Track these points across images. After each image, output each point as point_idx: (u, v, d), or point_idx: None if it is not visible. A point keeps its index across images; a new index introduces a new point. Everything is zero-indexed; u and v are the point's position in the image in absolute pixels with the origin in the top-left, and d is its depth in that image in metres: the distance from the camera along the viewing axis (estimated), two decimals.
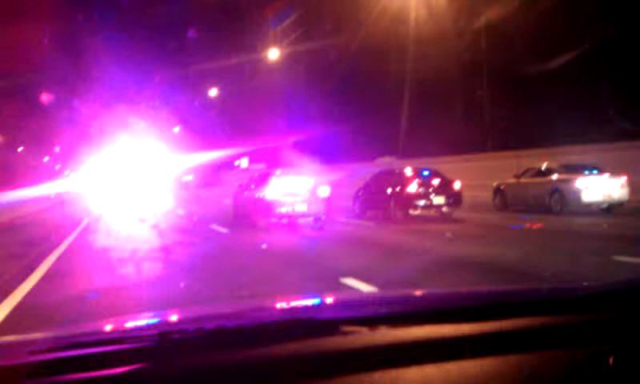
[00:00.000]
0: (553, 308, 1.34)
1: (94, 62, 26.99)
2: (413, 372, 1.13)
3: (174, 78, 33.29)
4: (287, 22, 27.60)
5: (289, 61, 28.40)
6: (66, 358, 1.10)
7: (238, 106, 33.95)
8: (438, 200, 12.49)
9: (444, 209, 12.67)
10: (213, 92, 37.22)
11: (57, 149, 45.80)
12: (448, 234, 9.53)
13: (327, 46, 24.82)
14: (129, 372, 1.07)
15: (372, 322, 1.26)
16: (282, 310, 1.61)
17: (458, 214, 12.78)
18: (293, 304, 1.75)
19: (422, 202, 12.48)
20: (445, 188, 12.74)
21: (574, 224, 11.06)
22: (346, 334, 1.21)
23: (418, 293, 1.97)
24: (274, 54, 27.44)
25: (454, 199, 12.72)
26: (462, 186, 13.01)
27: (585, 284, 1.60)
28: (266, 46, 28.12)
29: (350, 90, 26.84)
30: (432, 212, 12.73)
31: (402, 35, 20.88)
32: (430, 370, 1.14)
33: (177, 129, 42.62)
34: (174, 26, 29.82)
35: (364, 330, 1.23)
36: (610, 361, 1.19)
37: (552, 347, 1.22)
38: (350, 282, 5.34)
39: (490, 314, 1.29)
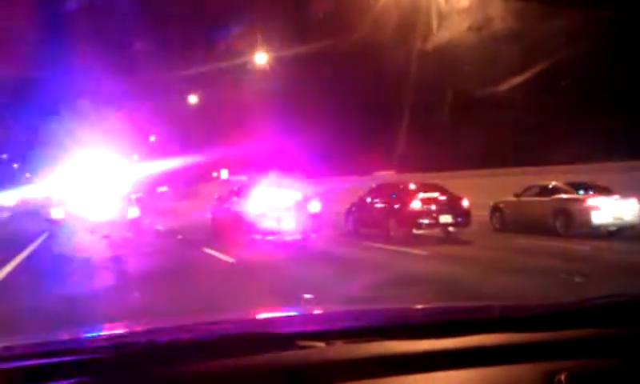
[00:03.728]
0: (505, 325, 1.41)
1: (62, 66, 25.87)
2: None
3: (149, 85, 32.31)
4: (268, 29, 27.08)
5: (274, 66, 27.73)
6: (16, 368, 1.12)
7: (218, 114, 33.19)
8: (445, 218, 11.69)
9: (451, 228, 11.90)
10: (192, 99, 36.34)
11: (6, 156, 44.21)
12: (577, 279, 6.55)
13: (316, 48, 24.30)
14: (79, 383, 1.10)
15: (328, 336, 1.31)
16: (237, 324, 1.63)
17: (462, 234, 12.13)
18: (248, 318, 1.79)
19: (426, 221, 11.65)
20: (452, 206, 12.12)
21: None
22: (301, 348, 1.26)
23: (375, 309, 2.06)
24: (258, 58, 26.72)
25: (463, 218, 12.04)
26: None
27: (541, 304, 1.67)
28: (248, 51, 27.38)
29: (340, 97, 26.32)
30: (437, 231, 11.89)
31: (401, 38, 20.38)
32: None
33: (152, 138, 41.54)
34: (148, 29, 28.92)
35: (320, 344, 1.28)
36: (563, 377, 1.24)
37: (504, 363, 1.28)
38: None
39: (442, 330, 1.34)
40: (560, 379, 1.23)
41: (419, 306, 1.94)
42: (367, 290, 5.96)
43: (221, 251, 9.88)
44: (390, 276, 7.41)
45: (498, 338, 1.35)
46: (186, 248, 11.96)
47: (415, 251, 10.04)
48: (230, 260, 9.11)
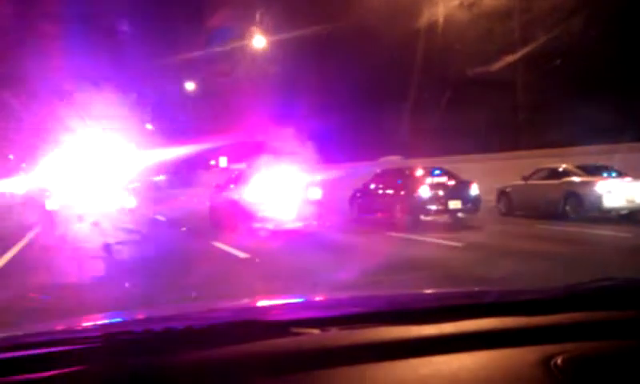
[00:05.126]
0: (502, 310, 1.42)
1: (53, 49, 25.39)
2: (361, 372, 1.17)
3: (145, 72, 31.87)
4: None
5: (275, 50, 27.20)
6: (10, 359, 1.13)
7: (217, 101, 32.80)
8: (454, 204, 11.43)
9: (460, 214, 11.76)
10: (189, 86, 35.88)
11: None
12: None
13: (320, 30, 23.88)
14: (74, 373, 1.10)
15: (323, 323, 1.33)
16: (232, 312, 1.64)
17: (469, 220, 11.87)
18: (244, 306, 1.81)
19: (434, 207, 11.36)
20: (461, 190, 11.88)
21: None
22: (296, 335, 1.28)
23: (371, 295, 2.10)
24: (257, 42, 26.14)
25: (472, 203, 11.83)
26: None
27: (537, 288, 1.67)
28: (248, 31, 26.80)
29: (345, 81, 25.95)
30: (445, 218, 11.60)
31: (405, 20, 20.01)
32: (379, 370, 1.18)
33: (149, 125, 41.09)
34: (144, 14, 28.45)
35: (315, 331, 1.30)
36: (559, 361, 1.23)
37: (501, 347, 1.28)
38: None
39: (438, 315, 1.35)
40: (557, 362, 1.24)
41: (415, 292, 1.97)
42: (375, 277, 5.74)
43: (231, 245, 9.13)
44: (400, 263, 7.21)
45: (494, 322, 1.36)
46: (193, 241, 11.15)
47: (422, 238, 9.79)
48: (243, 255, 8.33)
